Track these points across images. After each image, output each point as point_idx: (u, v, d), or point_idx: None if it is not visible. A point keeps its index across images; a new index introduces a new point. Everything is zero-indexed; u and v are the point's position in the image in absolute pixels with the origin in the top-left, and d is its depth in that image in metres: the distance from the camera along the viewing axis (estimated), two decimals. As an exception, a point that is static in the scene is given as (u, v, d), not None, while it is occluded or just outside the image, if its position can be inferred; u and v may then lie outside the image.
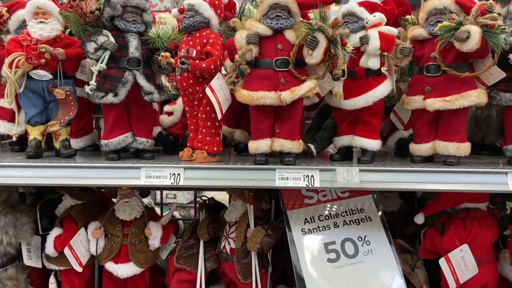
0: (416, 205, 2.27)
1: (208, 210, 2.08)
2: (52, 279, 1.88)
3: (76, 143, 2.04)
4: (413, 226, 2.14)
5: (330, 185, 1.56)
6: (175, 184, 1.58)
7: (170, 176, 1.59)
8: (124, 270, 1.83)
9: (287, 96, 1.56)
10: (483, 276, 1.72)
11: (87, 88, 1.68)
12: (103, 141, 1.74)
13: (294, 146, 1.64)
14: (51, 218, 1.97)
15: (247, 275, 1.83)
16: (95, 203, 2.03)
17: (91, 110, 2.14)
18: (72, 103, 1.77)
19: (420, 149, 1.73)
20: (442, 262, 1.69)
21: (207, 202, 2.09)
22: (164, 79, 2.00)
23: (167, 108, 2.20)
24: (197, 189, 2.92)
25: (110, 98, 1.68)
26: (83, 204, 1.94)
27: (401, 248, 1.95)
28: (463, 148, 1.64)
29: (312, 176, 1.57)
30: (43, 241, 1.88)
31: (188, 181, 1.59)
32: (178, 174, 1.59)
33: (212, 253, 1.93)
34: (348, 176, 1.53)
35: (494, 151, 2.04)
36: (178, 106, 2.13)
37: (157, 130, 2.03)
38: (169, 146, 2.01)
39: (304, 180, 1.57)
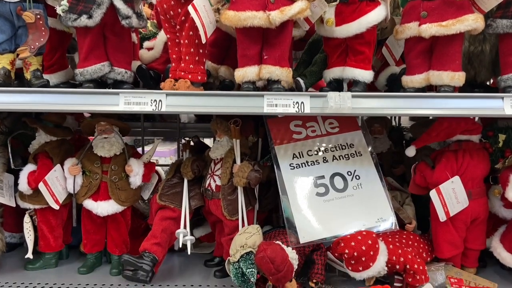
0: (405, 147, 2.23)
1: (192, 150, 2.00)
2: (27, 218, 1.79)
3: (49, 79, 1.90)
4: (402, 167, 2.12)
5: (321, 111, 1.49)
6: (156, 110, 1.49)
7: (151, 103, 1.49)
8: (104, 207, 1.75)
9: (277, 16, 1.46)
10: (473, 209, 1.70)
11: (58, 9, 1.54)
12: (77, 70, 1.62)
13: (283, 73, 1.54)
14: (24, 159, 1.86)
15: (233, 212, 1.77)
16: (72, 145, 1.92)
17: (65, 44, 1.98)
18: (43, 28, 1.62)
19: (413, 80, 1.66)
20: (433, 194, 1.66)
21: (190, 142, 2.00)
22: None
23: (147, 44, 2.07)
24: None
25: (84, 21, 1.54)
26: (58, 141, 1.82)
27: (390, 186, 1.92)
28: (458, 77, 1.58)
29: (302, 102, 1.49)
30: (17, 180, 1.77)
31: (170, 108, 1.49)
32: (160, 100, 1.49)
33: (196, 192, 1.86)
34: (340, 100, 1.45)
35: (486, 90, 1.99)
36: (158, 41, 2.01)
37: (136, 64, 1.90)
38: (149, 80, 1.89)
39: (293, 107, 1.49)
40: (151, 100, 1.49)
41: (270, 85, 1.56)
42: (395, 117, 2.52)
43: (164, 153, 4.04)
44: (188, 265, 1.93)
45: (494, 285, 1.67)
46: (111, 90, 1.50)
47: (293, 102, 1.49)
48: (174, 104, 1.50)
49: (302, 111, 1.48)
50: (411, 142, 2.16)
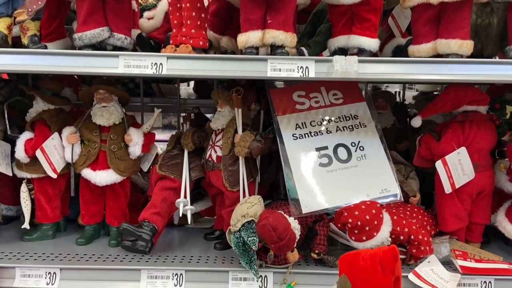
0: (409, 123, 2.20)
1: (193, 123, 1.96)
2: (23, 188, 1.75)
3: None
4: (406, 143, 2.09)
5: (326, 76, 1.45)
6: (157, 74, 1.44)
7: (152, 66, 1.45)
8: (103, 177, 1.71)
9: (281, -23, 1.42)
10: (479, 182, 1.67)
11: (56, -31, 1.49)
12: (76, 35, 1.57)
13: (287, 38, 1.50)
14: (21, 129, 1.81)
15: (234, 184, 1.73)
16: (70, 116, 1.88)
17: (64, 13, 1.94)
18: (40, -10, 1.58)
19: (420, 49, 1.61)
20: (438, 165, 1.62)
21: (191, 115, 1.96)
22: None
23: (147, 14, 2.03)
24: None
25: (82, -18, 1.50)
26: (56, 109, 1.78)
27: (394, 160, 1.88)
28: (466, 45, 1.54)
29: (306, 67, 1.45)
30: (14, 149, 1.73)
31: (171, 71, 1.45)
32: (161, 63, 1.45)
33: (197, 163, 1.82)
34: (346, 64, 1.41)
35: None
36: (159, 10, 1.98)
37: (136, 32, 1.86)
38: (150, 49, 1.85)
39: (298, 72, 1.45)
40: (152, 63, 1.45)
41: (273, 51, 1.52)
42: (399, 93, 2.48)
43: (166, 141, 3.99)
44: (187, 239, 1.91)
45: (499, 258, 1.64)
46: (110, 52, 1.46)
47: (298, 66, 1.45)
48: (175, 67, 1.46)
49: (307, 75, 1.44)
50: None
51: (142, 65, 1.45)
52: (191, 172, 1.79)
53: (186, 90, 3.05)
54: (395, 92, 2.45)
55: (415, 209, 1.72)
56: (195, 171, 1.80)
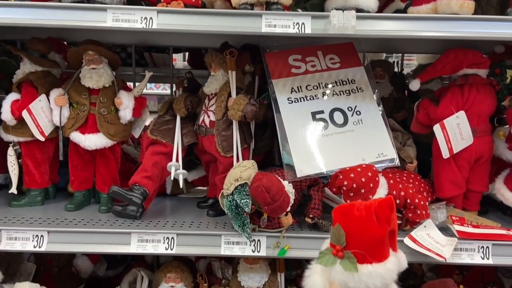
0: (407, 93, 2.17)
1: (185, 90, 1.91)
2: (10, 151, 1.70)
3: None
4: (403, 113, 2.05)
5: (323, 32, 1.40)
6: (146, 28, 1.39)
7: (141, 20, 1.40)
8: (92, 140, 1.66)
9: None
10: (477, 147, 1.64)
11: None
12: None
13: (283, -6, 1.45)
14: (8, 92, 1.76)
15: (228, 149, 1.69)
16: (59, 79, 1.82)
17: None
18: None
19: (419, 10, 1.57)
20: (436, 128, 1.59)
21: (184, 80, 1.91)
22: None
23: (139, -24, 1.96)
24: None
25: None
26: (44, 72, 1.72)
27: (392, 127, 1.84)
28: (467, 5, 1.49)
29: (302, 23, 1.41)
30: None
31: (162, 26, 1.40)
32: (151, 18, 1.40)
33: (189, 129, 1.77)
34: (344, 19, 1.36)
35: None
36: (151, -28, 1.90)
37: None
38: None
39: (293, 28, 1.41)
40: (141, 17, 1.40)
41: (268, 7, 1.47)
42: (397, 63, 2.44)
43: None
44: (180, 207, 1.87)
45: (497, 225, 1.61)
46: (98, 5, 1.40)
47: (293, 22, 1.40)
48: (166, 23, 1.41)
49: (303, 31, 1.40)
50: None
51: (131, 19, 1.40)
52: (183, 138, 1.74)
53: (181, 63, 2.99)
54: (394, 62, 2.41)
55: (412, 176, 1.69)
56: (187, 136, 1.75)
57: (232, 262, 1.78)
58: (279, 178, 1.49)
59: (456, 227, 1.53)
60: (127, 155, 2.12)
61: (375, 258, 0.97)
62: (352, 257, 0.97)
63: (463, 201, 1.74)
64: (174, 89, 2.18)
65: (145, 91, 1.86)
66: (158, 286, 1.68)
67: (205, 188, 2.03)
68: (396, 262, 1.02)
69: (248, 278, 1.68)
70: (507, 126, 1.73)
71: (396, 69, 2.33)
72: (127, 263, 2.20)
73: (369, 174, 1.48)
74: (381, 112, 1.68)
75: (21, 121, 1.65)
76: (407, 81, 2.23)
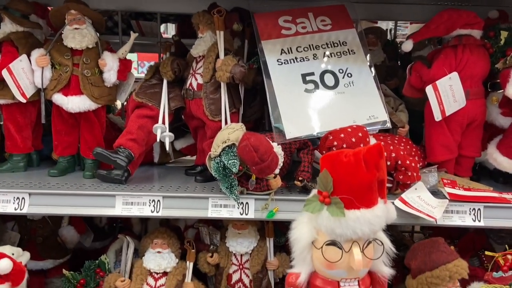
0: (400, 62, 2.13)
1: (173, 54, 1.85)
2: (-10, 112, 1.65)
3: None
4: (395, 80, 2.02)
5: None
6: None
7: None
8: (75, 103, 1.61)
9: None
10: (470, 110, 1.61)
11: None
12: None
13: None
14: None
15: (216, 113, 1.65)
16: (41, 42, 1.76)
17: None
18: None
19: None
20: (429, 90, 1.55)
21: (171, 44, 1.86)
22: None
23: None
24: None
25: None
26: (25, 32, 1.67)
27: (384, 93, 1.81)
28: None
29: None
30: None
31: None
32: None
33: (176, 93, 1.72)
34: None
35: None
36: None
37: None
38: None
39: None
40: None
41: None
42: (390, 31, 2.40)
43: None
44: (167, 174, 1.83)
45: (489, 188, 1.59)
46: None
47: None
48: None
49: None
50: (405, 57, 2.08)
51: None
52: (170, 102, 1.70)
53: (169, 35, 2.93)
54: (387, 29, 2.37)
55: (403, 140, 1.65)
56: (174, 100, 1.70)
57: (220, 228, 1.75)
58: (268, 139, 1.46)
59: (448, 190, 1.50)
60: (114, 125, 2.07)
61: (363, 203, 0.94)
62: (339, 203, 0.94)
63: (455, 167, 1.71)
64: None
65: (136, 75, 1.82)
66: (145, 252, 1.64)
67: (193, 157, 1.99)
68: (385, 209, 0.99)
69: (236, 243, 1.65)
70: (501, 91, 1.70)
71: (389, 37, 2.29)
72: (114, 235, 2.16)
73: (360, 134, 1.45)
74: (373, 75, 1.64)
75: (1, 83, 1.60)
76: (400, 50, 2.20)
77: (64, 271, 1.70)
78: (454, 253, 1.34)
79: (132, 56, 3.16)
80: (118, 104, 2.27)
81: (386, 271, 1.04)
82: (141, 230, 2.11)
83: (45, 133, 1.88)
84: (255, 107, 1.88)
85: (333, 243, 0.96)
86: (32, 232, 1.89)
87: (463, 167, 1.71)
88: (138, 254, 1.72)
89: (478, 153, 1.71)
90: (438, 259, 1.30)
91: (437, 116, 1.58)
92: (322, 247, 0.97)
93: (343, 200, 0.94)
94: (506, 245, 1.59)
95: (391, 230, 1.94)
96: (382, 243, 0.99)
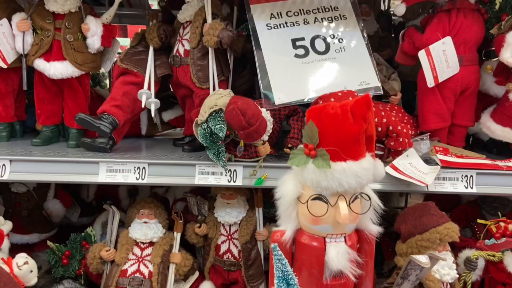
0: (393, 33, 2.09)
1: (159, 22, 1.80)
2: (-30, 79, 1.59)
3: None
4: (388, 51, 1.97)
5: None
6: None
7: None
8: (58, 68, 1.55)
9: None
10: (464, 77, 1.57)
11: None
12: None
13: None
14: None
15: (204, 80, 1.60)
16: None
17: None
18: None
19: None
20: (421, 54, 1.51)
21: (158, 11, 1.80)
22: None
23: None
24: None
25: None
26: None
27: (376, 61, 1.76)
28: None
29: None
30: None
31: None
32: None
33: (163, 61, 1.67)
34: None
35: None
36: None
37: None
38: None
39: None
40: None
41: None
42: (384, 1, 2.35)
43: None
44: (155, 145, 1.78)
45: (482, 156, 1.56)
46: None
47: None
48: None
49: None
50: (399, 27, 2.03)
51: None
52: (156, 69, 1.65)
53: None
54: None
55: (396, 107, 1.62)
56: (160, 68, 1.65)
57: (208, 199, 1.71)
58: (256, 104, 1.41)
59: (440, 157, 1.47)
60: (100, 97, 2.02)
61: (350, 155, 0.91)
62: (325, 154, 0.90)
63: (448, 137, 1.68)
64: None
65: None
66: (131, 223, 1.60)
67: (181, 128, 1.95)
68: (372, 163, 0.95)
69: (225, 213, 1.62)
70: (495, 59, 1.66)
71: (382, 7, 2.25)
72: (101, 211, 2.12)
73: (350, 99, 1.40)
74: (365, 41, 1.59)
75: (-20, 48, 1.54)
76: (393, 22, 2.15)
77: (49, 242, 1.66)
78: (445, 216, 1.31)
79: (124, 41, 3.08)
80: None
81: (374, 229, 1.01)
82: (129, 205, 2.07)
83: (30, 104, 1.83)
84: (245, 77, 1.84)
85: (318, 197, 0.93)
86: (16, 205, 1.84)
87: (456, 136, 1.68)
88: (125, 226, 1.69)
89: (472, 122, 1.68)
90: (429, 222, 1.27)
91: (430, 82, 1.54)
92: (307, 201, 0.93)
93: (329, 152, 0.90)
94: (499, 213, 1.57)
95: (384, 206, 1.94)
96: (370, 198, 0.95)
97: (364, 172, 0.91)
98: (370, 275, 1.05)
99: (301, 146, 0.97)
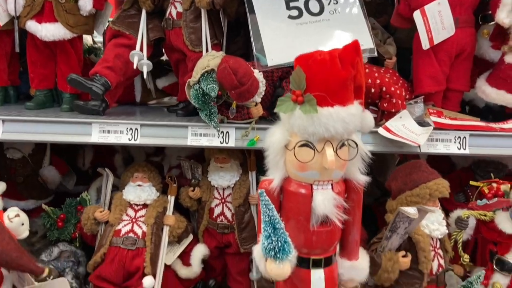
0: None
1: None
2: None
3: None
4: (385, 17, 1.94)
5: None
6: None
7: None
8: (49, 30, 1.54)
9: None
10: (459, 39, 1.55)
11: None
12: None
13: None
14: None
15: (197, 43, 1.58)
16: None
17: None
18: None
19: None
20: (416, 15, 1.49)
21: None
22: None
23: None
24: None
25: None
26: (-5, -43, 1.59)
27: (372, 26, 1.74)
28: None
29: None
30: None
31: None
32: None
33: (156, 24, 1.65)
34: None
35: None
36: None
37: None
38: None
39: None
40: None
41: None
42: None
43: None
44: (149, 111, 1.78)
45: (476, 119, 1.55)
46: None
47: None
48: None
49: None
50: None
51: None
52: (149, 32, 1.63)
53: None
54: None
55: (390, 71, 1.60)
56: (153, 31, 1.64)
57: (202, 163, 1.72)
58: (249, 65, 1.41)
59: (433, 119, 1.46)
60: (94, 65, 2.00)
61: (337, 101, 0.90)
62: (312, 99, 0.89)
63: (442, 102, 1.67)
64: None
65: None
66: (125, 186, 1.61)
67: (175, 96, 1.95)
68: (360, 110, 0.95)
69: (218, 177, 1.62)
70: (492, 23, 1.64)
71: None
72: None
73: (343, 58, 1.39)
74: (360, 3, 1.57)
75: (-29, 11, 1.53)
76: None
77: (44, 205, 1.67)
78: (435, 173, 1.32)
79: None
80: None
81: (361, 178, 1.01)
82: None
83: (24, 71, 1.82)
84: (238, 42, 1.82)
85: (305, 144, 0.92)
86: (12, 171, 1.85)
87: (451, 101, 1.67)
88: (119, 190, 1.69)
89: (467, 86, 1.67)
90: (419, 178, 1.27)
91: (425, 44, 1.52)
92: (294, 148, 0.93)
93: (316, 98, 0.89)
94: (491, 174, 1.57)
95: (379, 176, 1.93)
96: (357, 146, 0.95)
97: (351, 118, 0.91)
98: (358, 225, 1.05)
99: (289, 93, 0.96)
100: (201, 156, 1.81)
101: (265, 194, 0.92)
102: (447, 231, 1.29)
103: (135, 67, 1.54)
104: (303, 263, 1.02)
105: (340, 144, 0.93)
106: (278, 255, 0.90)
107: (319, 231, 0.98)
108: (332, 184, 0.98)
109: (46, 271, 1.07)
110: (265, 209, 0.90)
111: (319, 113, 0.89)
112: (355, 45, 0.91)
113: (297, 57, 0.95)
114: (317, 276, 1.01)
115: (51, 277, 1.07)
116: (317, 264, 1.01)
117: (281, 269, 0.91)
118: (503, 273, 1.34)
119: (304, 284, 1.02)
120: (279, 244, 0.90)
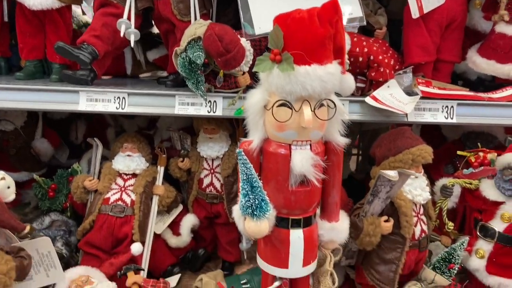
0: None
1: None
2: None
3: None
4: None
5: None
6: None
7: None
8: (37, -1, 1.54)
9: None
10: (449, 8, 1.54)
11: None
12: None
13: None
14: None
15: (185, 12, 1.57)
16: None
17: None
18: None
19: None
20: (406, -18, 1.48)
21: None
22: None
23: None
24: None
25: None
26: None
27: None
28: None
29: None
30: None
31: None
32: None
33: (145, -6, 1.64)
34: None
35: None
36: None
37: None
38: None
39: None
40: None
41: None
42: None
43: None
44: (138, 82, 1.78)
45: (465, 89, 1.55)
46: None
47: None
48: None
49: None
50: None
51: None
52: (137, 2, 1.61)
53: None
54: None
55: (380, 41, 1.59)
56: (141, 0, 1.62)
57: (191, 135, 1.72)
58: (235, 32, 1.40)
59: (421, 88, 1.46)
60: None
61: (315, 59, 0.90)
62: (289, 57, 0.89)
63: (433, 73, 1.66)
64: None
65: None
66: (115, 157, 1.62)
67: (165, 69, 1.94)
68: (339, 69, 0.94)
69: (207, 148, 1.63)
70: (485, -7, 1.62)
71: None
72: (90, 151, 2.14)
73: (330, 26, 1.38)
74: (348, -30, 1.55)
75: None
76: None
77: (35, 176, 1.69)
78: (419, 139, 1.32)
79: None
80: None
81: (341, 140, 1.01)
82: (117, 146, 2.09)
83: (16, 43, 1.82)
84: (228, 15, 1.80)
85: (283, 103, 0.92)
86: (4, 143, 1.86)
87: (441, 72, 1.66)
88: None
89: (458, 57, 1.66)
90: (403, 144, 1.27)
91: (414, 13, 1.51)
92: (272, 107, 0.93)
93: (293, 56, 0.89)
94: (479, 143, 1.57)
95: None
96: (335, 106, 0.95)
97: (329, 76, 0.90)
98: (337, 186, 1.06)
99: (267, 52, 0.96)
100: (192, 129, 1.81)
101: (243, 153, 0.92)
102: (430, 197, 1.29)
103: (122, 35, 1.54)
104: (283, 223, 1.03)
105: (319, 104, 0.93)
106: (256, 213, 0.92)
107: (298, 191, 0.99)
108: (310, 145, 0.98)
109: (28, 228, 1.09)
110: (243, 168, 0.91)
111: (296, 71, 0.89)
112: (334, 4, 0.91)
113: (276, 16, 0.95)
114: (296, 235, 1.02)
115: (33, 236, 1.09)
116: (296, 224, 1.03)
117: (259, 226, 0.92)
118: (486, 239, 1.35)
119: (283, 243, 1.03)
120: (256, 202, 0.91)
